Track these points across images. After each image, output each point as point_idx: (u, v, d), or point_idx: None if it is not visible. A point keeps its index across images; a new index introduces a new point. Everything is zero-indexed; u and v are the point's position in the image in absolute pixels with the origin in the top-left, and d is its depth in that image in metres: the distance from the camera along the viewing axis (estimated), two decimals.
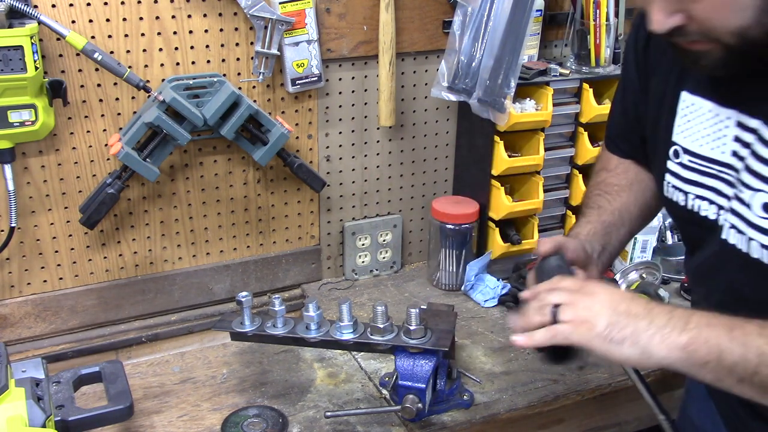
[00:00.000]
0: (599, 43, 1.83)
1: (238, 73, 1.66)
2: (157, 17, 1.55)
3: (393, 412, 1.41)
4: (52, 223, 1.62)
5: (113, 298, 1.72)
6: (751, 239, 0.96)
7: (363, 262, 1.95)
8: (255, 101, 1.68)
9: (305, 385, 1.52)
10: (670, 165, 1.10)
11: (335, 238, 1.93)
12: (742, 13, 0.82)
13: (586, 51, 1.84)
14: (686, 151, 1.07)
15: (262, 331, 1.44)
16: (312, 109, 1.77)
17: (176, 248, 1.76)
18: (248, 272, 1.84)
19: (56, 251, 1.65)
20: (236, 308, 1.47)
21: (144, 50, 1.57)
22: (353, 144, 1.86)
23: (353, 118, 1.83)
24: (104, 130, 1.60)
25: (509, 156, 1.79)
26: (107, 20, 1.52)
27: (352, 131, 1.84)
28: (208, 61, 1.63)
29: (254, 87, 1.69)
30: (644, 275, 1.82)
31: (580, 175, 1.89)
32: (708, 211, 1.05)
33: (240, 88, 1.63)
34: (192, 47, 1.61)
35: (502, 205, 1.81)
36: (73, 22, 1.49)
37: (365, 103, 1.83)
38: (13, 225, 1.54)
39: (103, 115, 1.59)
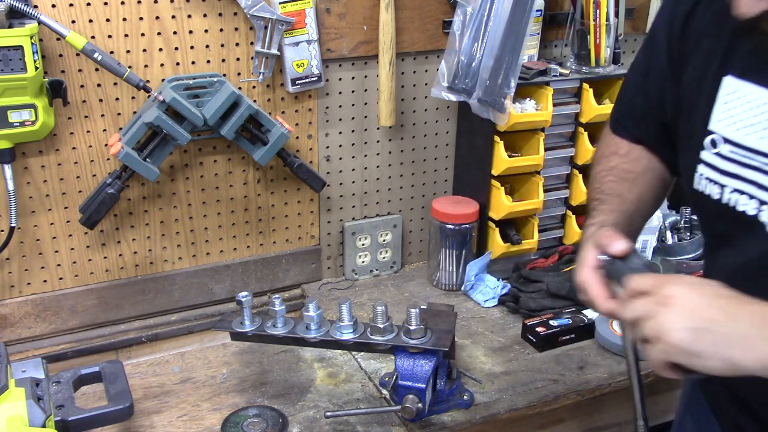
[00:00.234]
0: (599, 43, 1.83)
1: (238, 73, 1.66)
2: (157, 17, 1.55)
3: (393, 412, 1.41)
4: (52, 223, 1.62)
5: (113, 298, 1.72)
6: None
7: (363, 262, 1.95)
8: (255, 101, 1.68)
9: (305, 385, 1.52)
10: (705, 155, 1.02)
11: (335, 238, 1.93)
12: None
13: (586, 51, 1.84)
14: (727, 141, 0.98)
15: (262, 331, 1.44)
16: (312, 109, 1.77)
17: (176, 248, 1.76)
18: (248, 272, 1.84)
19: (56, 251, 1.65)
20: (236, 308, 1.47)
21: (144, 50, 1.57)
22: (353, 144, 1.86)
23: (353, 118, 1.83)
24: (104, 130, 1.60)
25: (509, 156, 1.79)
26: (107, 20, 1.52)
27: (352, 131, 1.84)
28: (208, 61, 1.63)
29: (254, 87, 1.69)
30: None
31: (580, 175, 1.89)
32: (747, 206, 0.96)
33: (240, 88, 1.63)
34: (192, 47, 1.61)
35: (502, 205, 1.81)
36: (73, 22, 1.49)
37: (365, 103, 1.83)
38: (13, 225, 1.54)
39: (103, 115, 1.59)
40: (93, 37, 1.51)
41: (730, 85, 0.98)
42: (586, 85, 1.82)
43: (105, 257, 1.70)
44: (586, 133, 1.84)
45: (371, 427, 1.40)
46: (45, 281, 1.66)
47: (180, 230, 1.75)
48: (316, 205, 1.87)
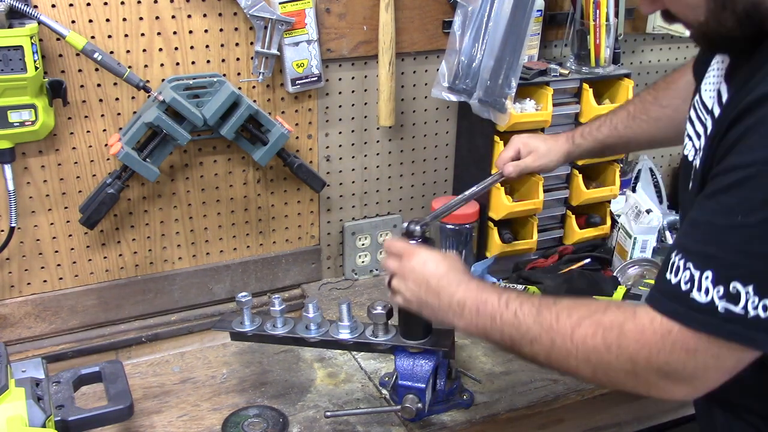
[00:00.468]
0: (599, 43, 1.83)
1: (238, 73, 1.66)
2: (157, 17, 1.55)
3: (393, 412, 1.41)
4: (52, 223, 1.62)
5: (113, 298, 1.72)
6: None
7: (363, 262, 1.95)
8: (255, 101, 1.68)
9: (305, 385, 1.52)
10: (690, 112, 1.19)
11: (335, 238, 1.93)
12: (696, 11, 0.93)
13: (586, 51, 1.84)
14: (699, 99, 1.12)
15: (262, 331, 1.44)
16: (312, 109, 1.77)
17: (176, 248, 1.76)
18: (248, 272, 1.84)
19: (56, 251, 1.65)
20: (236, 308, 1.47)
21: (144, 50, 1.57)
22: (353, 144, 1.86)
23: (353, 118, 1.83)
24: (104, 130, 1.60)
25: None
26: (107, 20, 1.52)
27: (352, 131, 1.84)
28: (208, 61, 1.63)
29: (254, 87, 1.69)
30: (645, 272, 1.82)
31: (580, 176, 1.89)
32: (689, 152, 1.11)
33: (240, 88, 1.63)
34: (192, 47, 1.61)
35: (502, 205, 1.81)
36: (73, 22, 1.49)
37: (365, 103, 1.83)
38: (13, 225, 1.54)
39: (103, 115, 1.59)
40: (93, 37, 1.51)
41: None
42: (586, 85, 1.82)
43: (105, 257, 1.70)
44: None
45: (371, 427, 1.40)
46: (45, 281, 1.66)
47: (180, 230, 1.75)
48: (316, 205, 1.87)
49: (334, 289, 1.91)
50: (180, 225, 1.74)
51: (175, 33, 1.58)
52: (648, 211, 1.88)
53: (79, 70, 1.53)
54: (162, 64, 1.59)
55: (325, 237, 1.91)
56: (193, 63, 1.62)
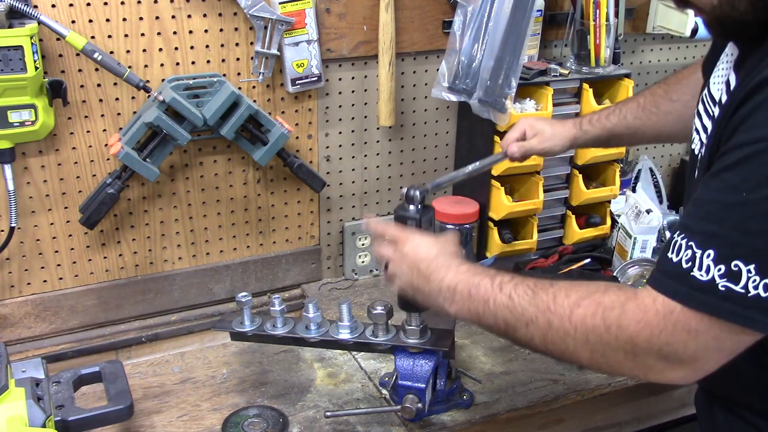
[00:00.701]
0: (599, 43, 1.83)
1: (238, 73, 1.66)
2: (157, 17, 1.55)
3: (393, 412, 1.41)
4: (52, 223, 1.62)
5: (113, 298, 1.72)
6: None
7: (363, 262, 1.95)
8: (255, 101, 1.68)
9: (305, 385, 1.52)
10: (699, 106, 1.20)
11: (335, 238, 1.93)
12: None
13: (586, 51, 1.85)
14: (708, 93, 1.12)
15: (262, 331, 1.44)
16: (312, 109, 1.77)
17: (176, 248, 1.76)
18: (248, 272, 1.84)
19: (56, 251, 1.65)
20: (236, 308, 1.47)
21: (144, 50, 1.57)
22: (353, 144, 1.86)
23: (353, 118, 1.83)
24: (104, 130, 1.60)
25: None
26: (107, 20, 1.52)
27: (352, 131, 1.84)
28: (208, 61, 1.63)
29: (254, 87, 1.69)
30: (645, 272, 1.82)
31: (580, 176, 1.89)
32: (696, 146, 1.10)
33: (240, 88, 1.63)
34: (192, 47, 1.61)
35: (502, 205, 1.81)
36: (73, 22, 1.49)
37: (365, 103, 1.83)
38: (13, 225, 1.54)
39: (103, 115, 1.59)
40: (93, 37, 1.51)
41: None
42: (586, 85, 1.82)
43: (105, 257, 1.70)
44: None
45: (371, 427, 1.40)
46: (45, 281, 1.66)
47: (180, 230, 1.75)
48: (316, 205, 1.87)
49: (334, 289, 1.91)
50: (180, 225, 1.74)
51: (175, 33, 1.58)
52: (648, 211, 1.88)
53: (79, 70, 1.53)
54: (162, 64, 1.59)
55: (325, 237, 1.91)
56: (193, 63, 1.62)
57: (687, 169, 1.16)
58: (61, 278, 1.67)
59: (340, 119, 1.81)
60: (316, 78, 1.71)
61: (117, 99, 1.59)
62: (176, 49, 1.59)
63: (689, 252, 0.89)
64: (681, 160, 2.32)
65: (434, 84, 1.79)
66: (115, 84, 1.57)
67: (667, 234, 1.99)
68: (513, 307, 1.03)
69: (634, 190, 2.09)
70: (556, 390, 1.51)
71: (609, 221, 1.97)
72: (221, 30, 1.62)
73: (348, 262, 1.94)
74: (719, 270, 0.86)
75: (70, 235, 1.65)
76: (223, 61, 1.64)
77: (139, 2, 1.53)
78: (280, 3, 1.60)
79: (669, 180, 2.33)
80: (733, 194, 0.87)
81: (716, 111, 1.02)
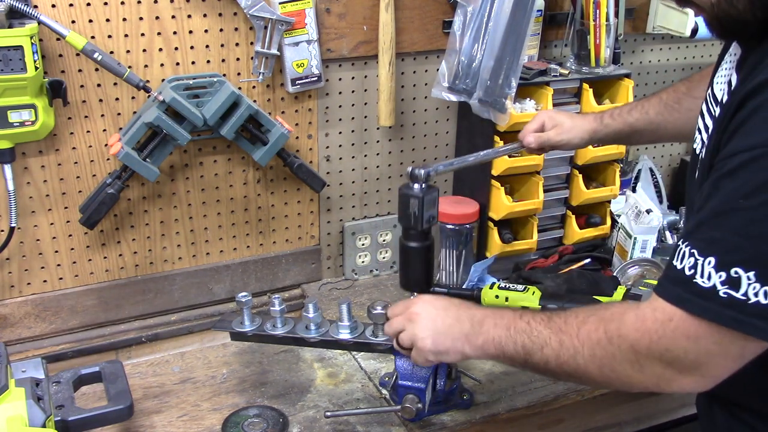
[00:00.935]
0: (599, 43, 1.83)
1: (238, 73, 1.66)
2: (157, 17, 1.55)
3: (393, 412, 1.41)
4: (52, 223, 1.62)
5: (113, 298, 1.72)
6: None
7: (363, 262, 1.95)
8: (255, 101, 1.68)
9: (305, 385, 1.52)
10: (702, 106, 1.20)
11: (335, 238, 1.93)
12: None
13: (586, 51, 1.84)
14: (711, 93, 1.12)
15: (262, 331, 1.44)
16: (312, 109, 1.77)
17: (176, 248, 1.76)
18: (248, 272, 1.84)
19: (56, 251, 1.65)
20: (236, 308, 1.47)
21: (144, 50, 1.57)
22: (353, 144, 1.86)
23: (353, 118, 1.83)
24: (104, 130, 1.60)
25: (509, 156, 1.78)
26: (107, 20, 1.52)
27: (352, 131, 1.84)
28: (208, 61, 1.63)
29: (254, 87, 1.69)
30: (646, 272, 1.82)
31: (580, 176, 1.89)
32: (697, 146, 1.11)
33: (240, 88, 1.63)
34: (192, 47, 1.61)
35: (502, 205, 1.81)
36: (73, 22, 1.49)
37: (365, 103, 1.83)
38: (13, 225, 1.54)
39: (103, 115, 1.59)
40: (93, 37, 1.51)
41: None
42: (585, 85, 1.82)
43: (105, 257, 1.70)
44: None
45: (371, 427, 1.40)
46: (45, 281, 1.66)
47: (180, 230, 1.75)
48: (316, 205, 1.87)
49: (334, 289, 1.91)
50: (180, 225, 1.74)
51: (175, 33, 1.58)
52: (648, 211, 1.88)
53: (79, 70, 1.53)
54: (162, 64, 1.59)
55: (325, 237, 1.91)
56: (193, 63, 1.62)
57: (688, 169, 1.16)
58: (61, 278, 1.67)
59: (340, 119, 1.81)
60: (316, 78, 1.71)
61: (117, 99, 1.59)
62: (176, 49, 1.59)
63: (692, 259, 0.90)
64: (681, 160, 2.32)
65: (434, 84, 1.79)
66: (115, 84, 1.57)
67: (667, 234, 1.99)
68: (530, 331, 1.07)
69: (634, 190, 2.09)
70: (556, 390, 1.51)
71: (609, 221, 1.97)
72: (221, 30, 1.62)
73: (348, 262, 1.94)
74: (720, 277, 0.87)
75: (70, 235, 1.65)
76: (223, 61, 1.64)
77: (139, 2, 1.53)
78: (280, 3, 1.60)
79: (669, 180, 2.33)
80: (731, 201, 0.87)
81: (717, 110, 1.02)
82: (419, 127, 1.91)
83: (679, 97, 1.49)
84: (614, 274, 1.83)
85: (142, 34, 1.55)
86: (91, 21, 1.51)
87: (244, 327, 1.45)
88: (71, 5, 1.48)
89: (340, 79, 1.77)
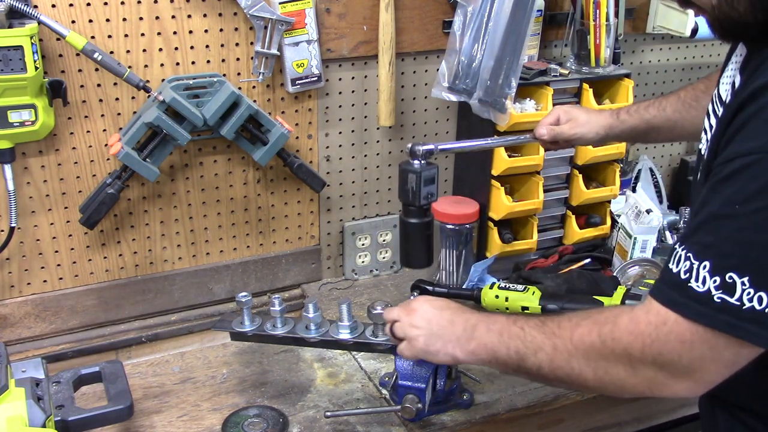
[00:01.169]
0: (599, 43, 1.83)
1: (238, 73, 1.66)
2: (157, 17, 1.55)
3: (393, 412, 1.41)
4: (52, 223, 1.62)
5: (113, 298, 1.72)
6: None
7: (363, 262, 1.95)
8: (255, 101, 1.68)
9: (305, 385, 1.52)
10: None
11: (335, 238, 1.93)
12: None
13: (586, 51, 1.84)
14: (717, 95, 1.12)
15: (262, 331, 1.44)
16: (312, 109, 1.77)
17: (176, 248, 1.76)
18: (248, 272, 1.84)
19: (56, 251, 1.65)
20: (236, 308, 1.47)
21: (144, 50, 1.57)
22: (353, 144, 1.86)
23: (353, 118, 1.83)
24: (104, 130, 1.60)
25: (509, 156, 1.79)
26: (107, 20, 1.52)
27: (352, 131, 1.84)
28: (208, 61, 1.63)
29: (254, 87, 1.69)
30: (646, 272, 1.82)
31: (580, 176, 1.89)
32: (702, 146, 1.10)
33: (240, 88, 1.63)
34: (192, 47, 1.61)
35: (502, 205, 1.81)
36: (73, 22, 1.49)
37: (365, 103, 1.83)
38: (13, 225, 1.54)
39: (103, 115, 1.59)
40: (93, 37, 1.51)
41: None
42: (585, 85, 1.82)
43: (105, 257, 1.70)
44: None
45: (371, 427, 1.40)
46: (45, 281, 1.66)
47: (180, 230, 1.75)
48: (316, 205, 1.87)
49: (334, 289, 1.91)
50: (180, 225, 1.74)
51: (175, 33, 1.58)
52: (648, 211, 1.88)
53: (79, 70, 1.53)
54: (162, 64, 1.59)
55: (325, 237, 1.91)
56: (193, 63, 1.62)
57: (694, 169, 1.16)
58: (61, 278, 1.67)
59: (340, 119, 1.81)
60: (316, 78, 1.71)
61: (117, 99, 1.59)
62: (176, 49, 1.59)
63: (687, 263, 0.90)
64: (681, 160, 2.32)
65: (434, 84, 1.79)
66: (115, 84, 1.57)
67: (667, 234, 1.99)
68: (523, 336, 1.07)
69: (634, 190, 2.09)
70: (556, 390, 1.51)
71: (609, 221, 1.97)
72: (221, 30, 1.62)
73: (348, 262, 1.94)
74: (714, 282, 0.87)
75: (70, 235, 1.65)
76: (223, 61, 1.64)
77: (139, 2, 1.53)
78: (280, 3, 1.60)
79: (669, 180, 2.33)
80: (727, 206, 0.87)
81: (721, 111, 1.02)
82: (419, 127, 1.91)
83: (697, 95, 1.48)
84: (614, 274, 1.83)
85: (142, 34, 1.55)
86: (91, 21, 1.51)
87: (244, 327, 1.45)
88: (71, 5, 1.48)
89: (340, 79, 1.77)
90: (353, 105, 1.82)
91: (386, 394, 1.47)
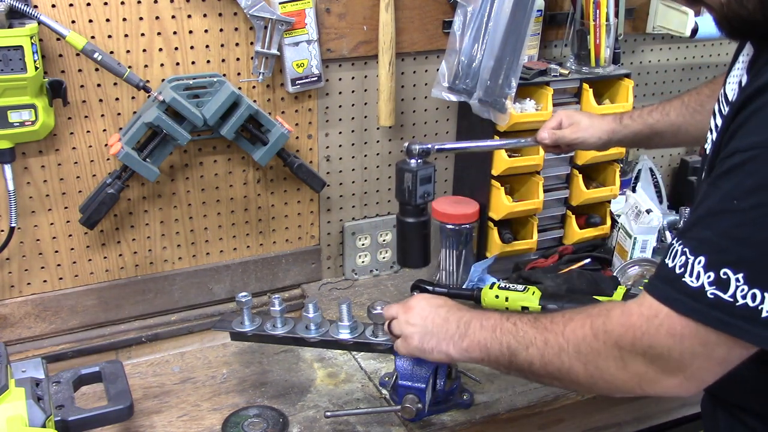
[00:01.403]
0: (599, 43, 1.83)
1: (238, 73, 1.66)
2: (157, 17, 1.55)
3: (393, 412, 1.41)
4: (52, 223, 1.62)
5: (113, 298, 1.72)
6: None
7: (363, 262, 1.95)
8: (255, 101, 1.68)
9: (305, 385, 1.52)
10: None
11: (335, 238, 1.93)
12: None
13: (586, 51, 1.84)
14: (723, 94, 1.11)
15: (262, 331, 1.44)
16: (312, 109, 1.77)
17: (176, 248, 1.76)
18: (248, 272, 1.84)
19: (56, 251, 1.65)
20: (236, 308, 1.47)
21: (144, 50, 1.57)
22: (353, 144, 1.86)
23: (353, 118, 1.83)
24: (104, 130, 1.60)
25: (509, 156, 1.79)
26: (107, 20, 1.52)
27: (352, 131, 1.84)
28: (208, 61, 1.63)
29: (254, 87, 1.69)
30: (646, 272, 1.82)
31: (580, 176, 1.89)
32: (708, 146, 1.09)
33: (240, 88, 1.63)
34: (192, 47, 1.61)
35: (502, 205, 1.81)
36: (73, 22, 1.49)
37: (365, 103, 1.83)
38: (13, 225, 1.54)
39: (103, 115, 1.59)
40: (93, 37, 1.51)
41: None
42: (585, 86, 1.82)
43: (105, 257, 1.70)
44: None
45: (371, 427, 1.40)
46: (45, 281, 1.66)
47: (180, 230, 1.75)
48: (316, 205, 1.87)
49: (334, 289, 1.91)
50: (180, 225, 1.74)
51: (175, 33, 1.58)
52: (648, 211, 1.88)
53: (79, 70, 1.53)
54: (162, 64, 1.59)
55: (325, 237, 1.91)
56: (193, 63, 1.62)
57: (699, 169, 1.16)
58: (61, 278, 1.67)
59: (340, 119, 1.81)
60: (316, 78, 1.71)
61: (117, 99, 1.59)
62: (176, 49, 1.59)
63: (683, 258, 0.90)
64: (681, 160, 2.32)
65: (434, 84, 1.79)
66: (115, 84, 1.57)
67: (667, 234, 2.00)
68: (516, 331, 1.07)
69: (634, 190, 2.09)
70: (556, 390, 1.51)
71: (609, 221, 1.97)
72: (221, 30, 1.62)
73: (348, 262, 1.94)
74: (709, 277, 0.87)
75: (70, 235, 1.65)
76: (223, 61, 1.64)
77: (139, 2, 1.53)
78: (280, 3, 1.60)
79: (669, 180, 2.33)
80: (724, 202, 0.87)
81: (727, 110, 1.02)
82: (419, 127, 1.91)
83: (702, 100, 1.47)
84: (614, 274, 1.83)
85: (142, 34, 1.55)
86: (91, 21, 1.51)
87: (244, 327, 1.45)
88: (71, 5, 1.48)
89: (340, 79, 1.77)
90: (353, 105, 1.82)
91: (386, 394, 1.47)
